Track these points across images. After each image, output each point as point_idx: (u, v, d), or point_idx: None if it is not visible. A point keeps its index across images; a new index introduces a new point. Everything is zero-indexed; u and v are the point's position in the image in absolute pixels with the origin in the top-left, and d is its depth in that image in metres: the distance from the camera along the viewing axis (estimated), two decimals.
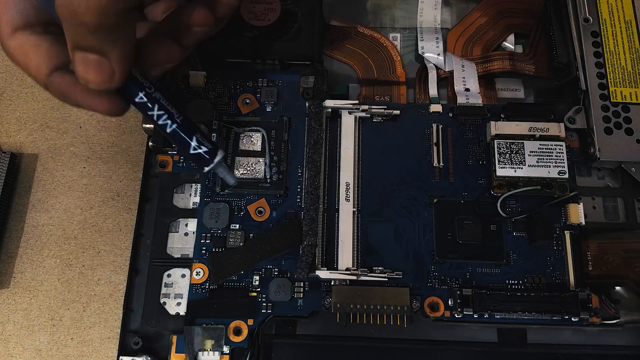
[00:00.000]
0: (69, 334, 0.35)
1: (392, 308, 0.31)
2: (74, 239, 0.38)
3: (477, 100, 0.37)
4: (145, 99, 0.28)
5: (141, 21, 0.31)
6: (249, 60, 0.38)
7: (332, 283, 0.32)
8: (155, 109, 0.28)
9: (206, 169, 0.30)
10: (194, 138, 0.29)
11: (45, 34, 0.27)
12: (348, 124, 0.36)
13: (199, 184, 0.36)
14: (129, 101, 0.28)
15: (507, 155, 0.34)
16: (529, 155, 0.34)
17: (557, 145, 0.35)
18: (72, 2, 0.22)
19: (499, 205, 0.34)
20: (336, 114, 0.36)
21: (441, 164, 0.35)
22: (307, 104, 0.36)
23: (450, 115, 0.37)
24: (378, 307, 0.31)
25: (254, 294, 0.33)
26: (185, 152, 0.30)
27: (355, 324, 0.32)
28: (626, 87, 0.36)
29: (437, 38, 0.40)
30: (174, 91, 0.36)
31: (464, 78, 0.38)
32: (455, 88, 0.38)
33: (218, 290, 0.33)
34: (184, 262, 0.34)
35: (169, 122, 0.28)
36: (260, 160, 0.35)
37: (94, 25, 0.23)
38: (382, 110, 0.36)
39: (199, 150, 0.29)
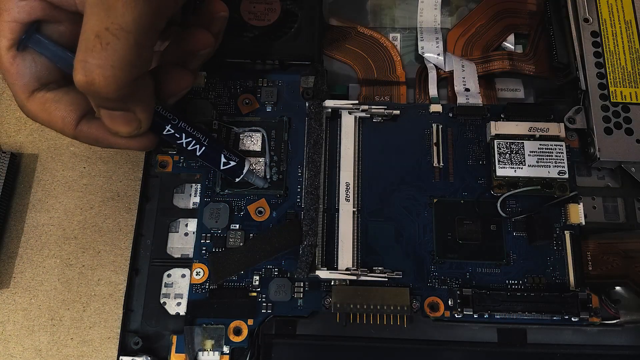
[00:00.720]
0: (69, 334, 0.35)
1: (392, 308, 0.31)
2: (74, 239, 0.38)
3: (477, 100, 0.37)
4: (172, 131, 0.30)
5: None
6: (249, 60, 0.38)
7: (332, 283, 0.32)
8: (183, 137, 0.31)
9: (237, 179, 0.33)
10: (222, 155, 0.32)
11: (60, 88, 0.28)
12: (348, 124, 0.36)
13: (199, 184, 0.36)
14: (158, 134, 0.30)
15: (507, 155, 0.34)
16: (529, 155, 0.34)
17: (557, 145, 0.35)
18: (92, 83, 0.23)
19: (499, 205, 0.34)
20: (336, 114, 0.36)
21: (441, 164, 0.35)
22: (307, 104, 0.36)
23: (450, 115, 0.37)
24: (378, 307, 0.31)
25: (254, 294, 0.33)
26: (216, 168, 0.33)
27: (355, 324, 0.32)
28: (626, 87, 0.36)
29: (437, 38, 0.40)
30: None
31: (464, 78, 0.38)
32: (455, 88, 0.38)
33: (218, 290, 0.33)
34: (184, 262, 0.34)
35: (197, 146, 0.31)
36: (260, 160, 0.35)
37: (115, 97, 0.24)
38: (382, 110, 0.36)
39: (229, 166, 0.32)
